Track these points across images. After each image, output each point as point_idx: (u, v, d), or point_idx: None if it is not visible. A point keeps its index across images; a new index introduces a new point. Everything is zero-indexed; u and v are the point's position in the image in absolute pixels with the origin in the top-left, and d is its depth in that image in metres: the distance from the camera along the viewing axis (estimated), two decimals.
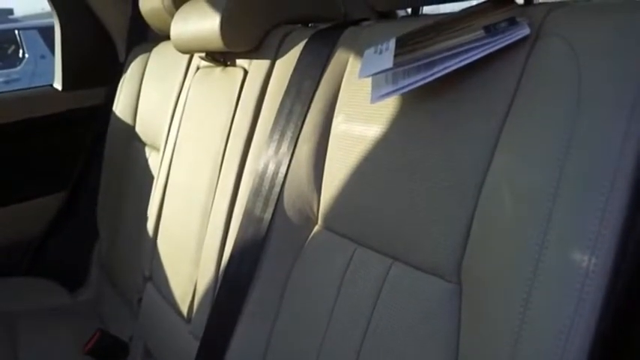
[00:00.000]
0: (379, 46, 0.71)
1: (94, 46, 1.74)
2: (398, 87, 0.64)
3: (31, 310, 1.51)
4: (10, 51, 5.58)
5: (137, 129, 1.55)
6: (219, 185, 1.00)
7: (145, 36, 1.72)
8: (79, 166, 1.77)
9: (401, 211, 0.69)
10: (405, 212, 0.68)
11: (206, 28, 0.99)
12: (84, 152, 1.77)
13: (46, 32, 5.17)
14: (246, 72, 1.01)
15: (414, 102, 0.70)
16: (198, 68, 1.20)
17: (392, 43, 0.69)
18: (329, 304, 0.76)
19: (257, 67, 0.99)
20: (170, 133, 1.25)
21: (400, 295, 0.67)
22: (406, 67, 0.65)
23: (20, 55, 5.33)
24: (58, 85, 1.74)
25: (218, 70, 1.11)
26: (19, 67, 5.23)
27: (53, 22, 1.73)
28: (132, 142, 1.57)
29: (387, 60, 0.65)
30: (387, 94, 0.65)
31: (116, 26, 1.73)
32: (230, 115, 1.01)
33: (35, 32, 5.24)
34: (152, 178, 1.38)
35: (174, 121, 1.25)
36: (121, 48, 1.75)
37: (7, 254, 1.69)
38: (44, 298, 1.62)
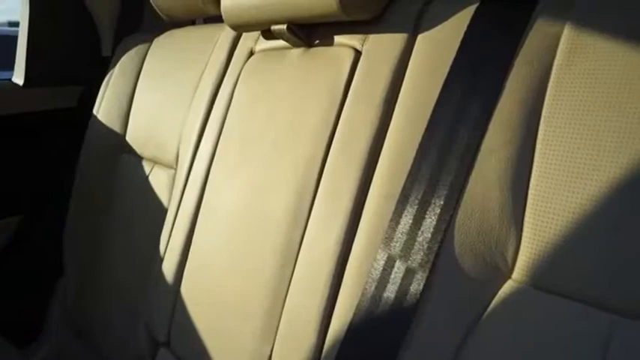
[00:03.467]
0: None
1: (70, 34, 1.35)
2: None
3: None
4: None
5: (129, 138, 1.17)
6: (315, 215, 0.65)
7: (138, 25, 1.36)
8: (41, 184, 1.34)
9: None
10: None
11: None
12: (48, 166, 1.35)
13: None
14: (358, 52, 0.69)
15: None
16: (251, 53, 0.86)
17: None
18: None
19: (381, 45, 0.67)
20: (202, 142, 0.89)
21: None
22: None
23: None
24: (18, 79, 1.33)
25: (295, 52, 0.77)
26: None
27: None
28: (120, 155, 1.18)
29: None
30: None
31: (102, 11, 1.34)
32: (333, 112, 0.67)
33: None
34: (156, 202, 1.00)
35: (208, 127, 0.89)
36: (106, 38, 1.37)
37: None
38: None
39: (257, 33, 0.87)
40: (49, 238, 1.30)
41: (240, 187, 0.77)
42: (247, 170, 0.77)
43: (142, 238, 1.01)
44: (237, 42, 0.91)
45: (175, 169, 0.99)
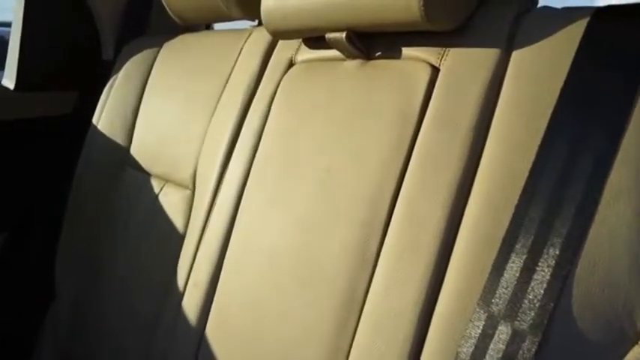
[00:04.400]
0: None
1: (68, 34, 1.22)
2: None
3: None
4: None
5: (134, 151, 1.05)
6: (386, 257, 0.55)
7: (143, 28, 1.25)
8: (30, 199, 1.22)
9: None
10: None
11: None
12: (38, 179, 1.22)
13: None
14: (435, 69, 0.59)
15: None
16: (291, 63, 0.76)
17: None
18: None
19: (466, 61, 0.57)
20: (231, 163, 0.78)
21: None
22: None
23: None
24: (9, 82, 1.20)
25: (351, 65, 0.67)
26: None
27: None
28: (123, 169, 1.06)
29: None
30: None
31: (104, 10, 1.22)
32: (405, 137, 0.58)
33: None
34: (168, 225, 0.89)
35: (239, 146, 0.78)
36: (107, 40, 1.25)
37: None
38: None
39: (296, 41, 0.77)
40: (38, 258, 1.17)
41: (284, 218, 0.66)
42: (293, 199, 0.66)
43: (153, 266, 0.89)
44: (271, 50, 0.80)
45: (192, 190, 0.88)
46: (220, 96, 0.87)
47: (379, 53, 0.65)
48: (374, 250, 0.56)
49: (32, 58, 1.20)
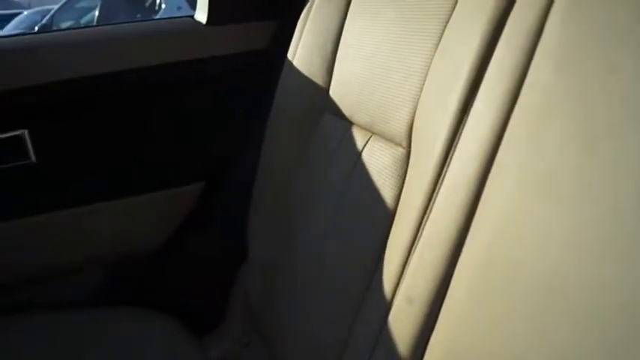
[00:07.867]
0: None
1: None
2: None
3: None
4: (147, 3, 5.17)
5: (333, 94, 0.81)
6: None
7: None
8: (224, 147, 1.07)
9: None
10: None
11: None
12: (232, 126, 1.06)
13: None
14: None
15: None
16: None
17: None
18: None
19: None
20: (472, 115, 0.48)
21: None
22: None
23: (157, 6, 4.86)
24: (201, 16, 1.03)
25: None
26: None
27: None
28: (322, 115, 0.84)
29: None
30: None
31: None
32: None
33: None
34: (375, 187, 0.64)
35: (486, 89, 0.47)
36: None
37: (111, 277, 1.04)
38: (154, 343, 0.93)
39: None
40: (233, 211, 1.03)
41: (575, 219, 0.35)
42: (597, 192, 0.34)
43: (357, 231, 0.67)
44: None
45: (407, 149, 0.61)
46: (449, 17, 0.57)
47: None
48: None
49: None
